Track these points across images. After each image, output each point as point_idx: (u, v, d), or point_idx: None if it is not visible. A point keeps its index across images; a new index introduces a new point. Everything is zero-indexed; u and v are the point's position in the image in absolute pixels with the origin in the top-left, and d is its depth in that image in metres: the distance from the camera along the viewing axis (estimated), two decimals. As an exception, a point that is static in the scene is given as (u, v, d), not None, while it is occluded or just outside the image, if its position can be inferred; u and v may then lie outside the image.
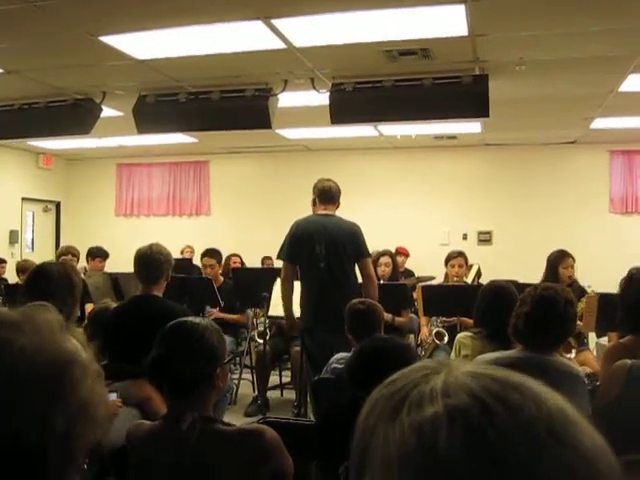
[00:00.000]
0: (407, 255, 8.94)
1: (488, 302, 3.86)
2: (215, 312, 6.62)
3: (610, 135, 9.26)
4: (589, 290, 5.34)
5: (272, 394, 6.67)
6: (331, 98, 6.28)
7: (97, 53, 5.68)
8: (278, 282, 5.41)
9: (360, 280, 5.15)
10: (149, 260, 3.95)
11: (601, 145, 9.80)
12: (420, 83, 6.04)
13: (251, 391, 6.69)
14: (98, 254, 7.58)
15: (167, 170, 11.79)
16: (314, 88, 6.48)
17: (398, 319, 5.93)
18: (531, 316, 2.94)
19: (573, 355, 4.59)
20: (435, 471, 0.57)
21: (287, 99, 6.75)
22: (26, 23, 4.96)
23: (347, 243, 5.01)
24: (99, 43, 5.41)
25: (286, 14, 4.85)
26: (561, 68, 6.00)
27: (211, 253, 7.12)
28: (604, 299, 4.74)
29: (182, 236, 10.47)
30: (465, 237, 10.41)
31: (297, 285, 5.18)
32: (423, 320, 6.07)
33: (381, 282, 5.88)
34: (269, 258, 8.91)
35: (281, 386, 6.92)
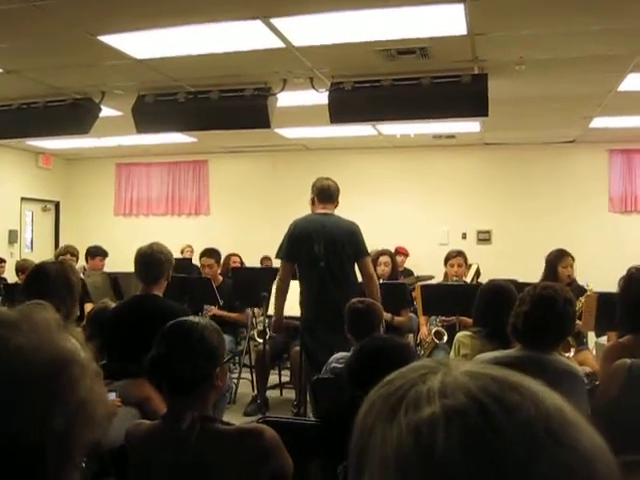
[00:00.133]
0: (406, 254, 8.95)
1: (487, 301, 3.86)
2: (214, 309, 6.62)
3: (609, 134, 9.26)
4: (588, 289, 5.33)
5: (271, 393, 6.67)
6: (330, 97, 6.28)
7: (96, 53, 5.67)
8: (275, 284, 5.41)
9: (360, 280, 5.16)
10: (150, 259, 3.94)
11: (600, 144, 9.80)
12: (419, 82, 6.04)
13: (250, 390, 6.69)
14: (98, 253, 7.58)
15: (166, 170, 11.79)
16: (313, 87, 6.47)
17: (397, 318, 5.94)
18: (530, 315, 2.94)
19: (572, 354, 4.60)
20: (432, 471, 0.57)
21: (286, 98, 6.75)
22: (25, 23, 4.96)
23: (346, 242, 5.00)
24: (98, 43, 5.40)
25: (285, 13, 4.85)
26: (560, 67, 6.00)
27: (209, 253, 7.12)
28: (603, 298, 4.74)
29: (181, 236, 10.47)
30: (464, 236, 10.41)
31: (296, 285, 5.18)
32: (422, 319, 6.07)
33: (380, 281, 5.87)
34: (268, 258, 8.91)
35: (280, 385, 6.92)
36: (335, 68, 6.17)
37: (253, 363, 6.82)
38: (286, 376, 6.97)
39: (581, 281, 5.80)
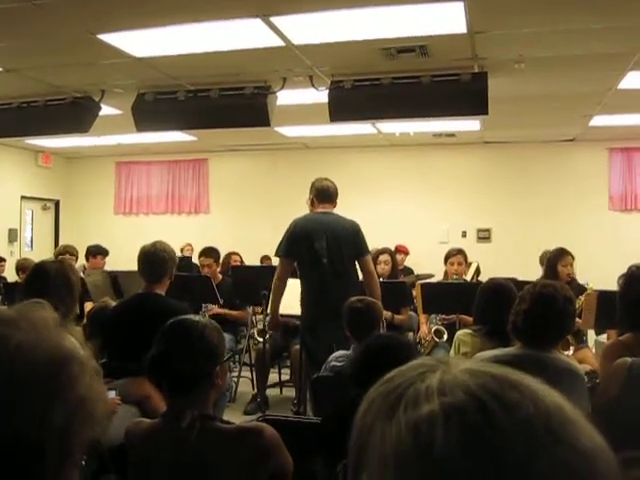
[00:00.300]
0: (406, 253, 8.94)
1: (487, 300, 3.86)
2: (215, 308, 6.63)
3: (609, 132, 9.27)
4: (588, 288, 5.34)
5: (271, 392, 6.67)
6: (330, 96, 6.27)
7: (96, 51, 5.67)
8: (273, 282, 5.39)
9: (360, 278, 5.16)
10: (153, 258, 3.93)
11: (600, 143, 9.80)
12: (419, 81, 6.04)
13: (250, 389, 6.70)
14: (99, 251, 7.59)
15: (166, 168, 11.79)
16: (313, 86, 6.47)
17: (397, 317, 5.94)
18: (530, 313, 2.94)
19: (571, 352, 4.60)
20: (432, 469, 0.57)
21: (286, 97, 6.75)
22: (25, 21, 4.96)
23: (348, 241, 5.01)
24: (98, 41, 5.40)
25: (285, 12, 4.85)
26: (560, 65, 6.00)
27: (208, 252, 7.11)
28: (603, 296, 4.74)
29: (181, 234, 10.47)
30: (464, 235, 10.41)
31: (297, 283, 5.17)
32: (422, 318, 6.07)
33: (380, 280, 5.87)
34: (268, 257, 8.90)
35: (280, 384, 6.92)
36: (335, 66, 6.17)
37: (253, 362, 6.83)
38: (286, 374, 6.97)
39: (581, 279, 5.80)
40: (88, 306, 5.60)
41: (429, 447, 0.57)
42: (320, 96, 6.47)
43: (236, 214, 11.28)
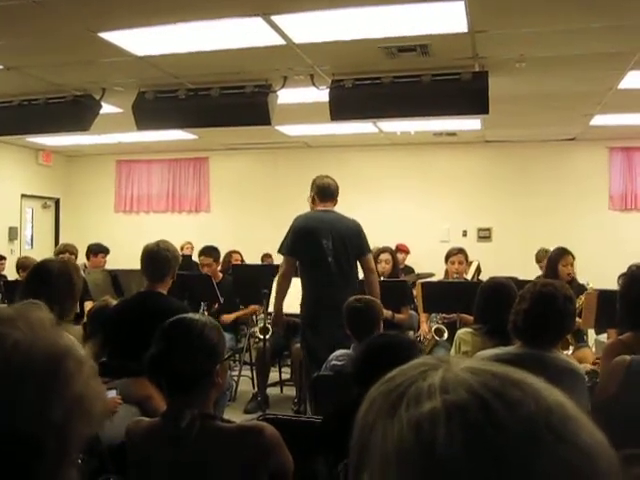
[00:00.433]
0: (407, 252, 8.95)
1: (488, 299, 3.86)
2: (231, 317, 6.70)
3: (609, 132, 9.27)
4: (588, 287, 5.34)
5: (272, 391, 6.68)
6: (331, 95, 6.27)
7: (96, 49, 5.67)
8: (276, 280, 5.39)
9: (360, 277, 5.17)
10: (156, 257, 3.94)
11: (600, 142, 9.80)
12: (419, 80, 6.04)
13: (251, 388, 6.70)
14: (100, 250, 7.59)
15: (166, 167, 11.79)
16: (314, 85, 6.47)
17: (398, 316, 5.94)
18: (530, 312, 2.94)
19: (570, 352, 4.60)
20: (434, 467, 0.57)
21: (287, 96, 6.75)
22: (25, 19, 4.96)
23: (352, 240, 5.03)
24: (98, 39, 5.40)
25: (285, 10, 4.85)
26: (561, 65, 6.00)
27: (207, 252, 7.11)
28: (603, 296, 4.74)
29: (181, 233, 10.46)
30: (465, 234, 10.41)
31: (295, 282, 5.17)
32: (423, 317, 6.07)
33: (381, 279, 5.88)
34: (269, 256, 8.91)
35: (281, 383, 6.92)
36: (336, 65, 6.17)
37: (253, 360, 6.83)
38: (286, 373, 6.98)
39: (581, 279, 5.80)
40: (88, 305, 5.59)
41: (431, 445, 0.57)
42: (321, 95, 6.47)
43: (237, 213, 11.28)
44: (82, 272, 6.03)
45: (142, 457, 2.17)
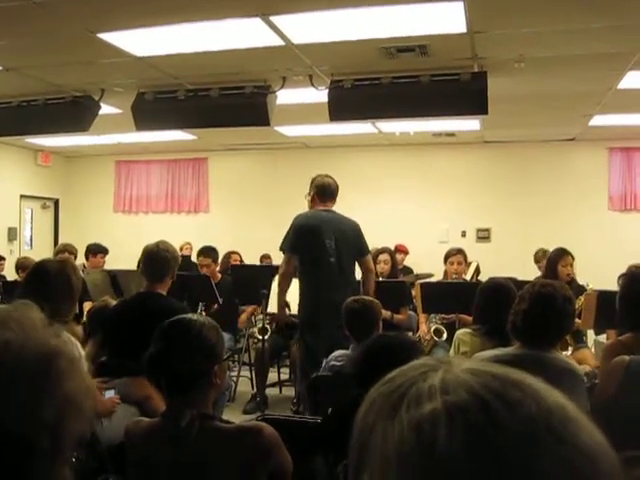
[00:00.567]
0: (406, 252, 8.94)
1: (487, 299, 3.86)
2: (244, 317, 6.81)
3: (609, 132, 9.27)
4: (588, 288, 5.34)
5: (271, 391, 6.67)
6: (330, 95, 6.27)
7: (96, 50, 5.67)
8: (277, 279, 5.38)
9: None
10: (156, 257, 3.94)
11: (600, 142, 9.80)
12: (418, 80, 6.04)
13: (250, 388, 6.70)
14: (99, 250, 7.58)
15: (166, 167, 11.79)
16: (312, 85, 6.47)
17: (397, 316, 5.93)
18: (529, 313, 2.94)
19: (570, 352, 4.60)
20: (434, 468, 0.57)
21: (286, 96, 6.75)
22: (25, 20, 4.95)
23: (353, 241, 5.03)
24: (98, 40, 5.40)
25: (284, 11, 4.85)
26: (560, 65, 6.00)
27: (206, 252, 7.10)
28: (603, 296, 4.74)
29: (180, 233, 10.45)
30: (464, 234, 10.41)
31: (294, 282, 5.17)
32: (422, 317, 6.06)
33: (380, 279, 5.88)
34: (268, 256, 8.91)
35: (280, 383, 6.92)
36: (334, 66, 6.17)
37: (252, 361, 6.83)
38: (285, 374, 6.98)
39: (581, 280, 5.80)
40: (87, 306, 5.58)
41: (432, 446, 0.57)
42: (320, 95, 6.47)
43: (236, 213, 11.28)
44: (81, 272, 6.05)
45: (141, 457, 2.17)
